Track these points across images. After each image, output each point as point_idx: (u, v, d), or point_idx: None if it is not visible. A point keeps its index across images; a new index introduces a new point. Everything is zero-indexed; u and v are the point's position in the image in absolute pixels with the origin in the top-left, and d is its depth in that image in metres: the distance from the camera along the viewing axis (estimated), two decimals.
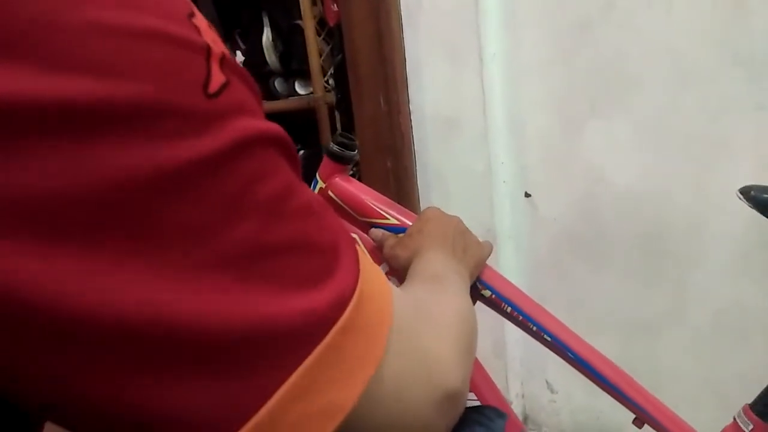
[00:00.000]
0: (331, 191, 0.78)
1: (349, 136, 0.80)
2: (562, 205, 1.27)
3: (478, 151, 1.32)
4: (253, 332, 0.24)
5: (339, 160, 0.78)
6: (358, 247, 0.32)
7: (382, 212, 0.76)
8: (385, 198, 0.79)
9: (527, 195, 1.31)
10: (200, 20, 0.25)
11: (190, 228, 0.23)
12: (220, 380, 0.23)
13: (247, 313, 0.24)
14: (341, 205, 0.78)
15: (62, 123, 0.20)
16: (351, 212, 0.78)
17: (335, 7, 1.42)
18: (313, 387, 0.25)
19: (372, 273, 0.31)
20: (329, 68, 1.49)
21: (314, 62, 1.48)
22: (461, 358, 0.37)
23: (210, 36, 0.25)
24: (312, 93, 1.55)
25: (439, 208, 0.73)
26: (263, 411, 0.24)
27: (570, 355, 0.70)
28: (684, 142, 1.10)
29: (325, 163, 0.78)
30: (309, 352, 0.25)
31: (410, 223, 0.75)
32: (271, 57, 1.64)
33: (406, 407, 0.31)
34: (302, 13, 1.47)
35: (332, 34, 1.48)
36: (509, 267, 1.37)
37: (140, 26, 0.22)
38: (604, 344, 1.27)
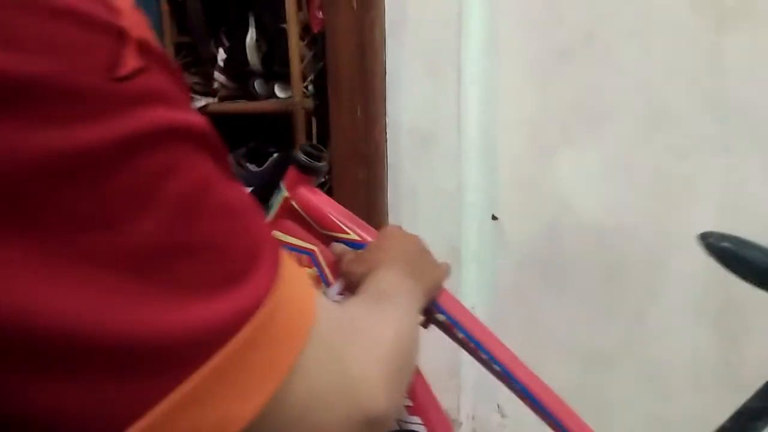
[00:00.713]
0: (295, 201, 0.77)
1: (319, 146, 0.79)
2: (527, 231, 1.28)
3: (450, 169, 1.32)
4: (139, 338, 0.22)
5: (306, 170, 0.77)
6: (283, 254, 0.30)
7: (343, 227, 0.75)
8: (348, 212, 0.78)
9: (494, 218, 1.31)
10: (123, 1, 0.24)
11: (79, 219, 0.21)
12: (96, 384, 0.22)
13: (136, 317, 0.22)
14: (303, 217, 0.77)
15: None
16: (313, 224, 0.77)
17: (320, 15, 1.41)
18: (207, 398, 0.24)
19: (294, 282, 0.29)
20: (310, 74, 1.48)
21: (295, 67, 1.47)
22: (391, 380, 0.35)
23: (132, 19, 0.24)
24: (291, 97, 1.53)
25: (399, 227, 0.72)
26: (147, 418, 0.22)
27: (517, 386, 0.69)
28: (651, 178, 1.12)
29: (291, 172, 0.77)
30: (203, 362, 0.24)
31: (371, 240, 0.74)
32: (253, 57, 1.62)
33: (318, 428, 0.29)
34: (287, 17, 1.46)
35: (316, 40, 1.47)
36: (471, 288, 1.37)
37: (47, 1, 0.21)
38: (559, 371, 1.29)
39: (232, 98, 1.72)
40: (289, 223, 0.78)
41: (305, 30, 1.49)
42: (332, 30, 1.36)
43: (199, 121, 0.26)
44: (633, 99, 1.10)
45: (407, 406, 0.74)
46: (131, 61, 0.23)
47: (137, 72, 0.23)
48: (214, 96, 1.78)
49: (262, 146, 1.70)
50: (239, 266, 0.26)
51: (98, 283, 0.21)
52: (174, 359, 0.23)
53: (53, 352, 0.21)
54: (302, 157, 0.76)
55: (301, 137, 1.48)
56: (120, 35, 0.23)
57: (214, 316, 0.24)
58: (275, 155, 1.65)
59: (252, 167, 1.68)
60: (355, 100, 1.36)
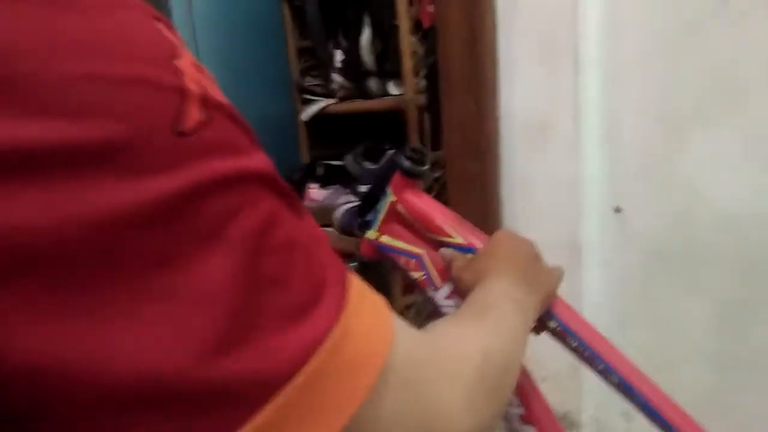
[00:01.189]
0: (401, 205, 0.78)
1: (421, 150, 0.79)
2: (655, 223, 1.19)
3: (568, 160, 1.26)
4: (218, 377, 0.24)
5: (410, 175, 0.77)
6: (353, 280, 0.31)
7: (449, 230, 0.75)
8: (455, 216, 0.77)
9: (617, 210, 1.24)
10: (185, 62, 0.26)
11: (154, 261, 0.23)
12: (185, 423, 0.23)
13: (212, 359, 0.23)
14: (410, 221, 0.78)
15: (23, 164, 0.21)
16: (420, 228, 0.77)
17: (431, 9, 1.40)
18: (278, 429, 0.25)
19: (365, 308, 0.30)
20: (422, 70, 1.48)
21: (407, 63, 1.47)
22: (477, 401, 0.35)
23: (193, 76, 0.26)
24: (403, 94, 1.55)
25: (511, 231, 0.70)
26: None
27: (636, 398, 0.65)
28: None
29: (396, 176, 0.78)
30: (273, 395, 0.25)
31: (479, 244, 0.73)
32: (367, 56, 1.65)
33: None
34: (398, 13, 1.46)
35: (427, 35, 1.46)
36: (593, 285, 1.30)
37: (116, 73, 0.23)
38: (691, 376, 1.19)
39: (350, 98, 1.77)
40: (397, 227, 0.79)
41: (417, 26, 1.49)
42: (442, 22, 1.35)
43: (263, 163, 0.28)
44: None
45: (520, 415, 0.73)
46: (194, 115, 0.25)
47: (200, 125, 0.25)
48: (333, 97, 1.84)
49: (377, 144, 1.73)
50: (303, 299, 0.27)
51: (174, 321, 0.23)
52: (245, 394, 0.24)
53: (138, 393, 0.23)
54: (405, 162, 0.77)
55: (413, 134, 1.49)
56: (183, 94, 0.25)
57: (284, 349, 0.25)
58: (390, 152, 1.67)
59: (368, 164, 1.72)
60: (466, 92, 1.34)
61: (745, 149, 1.05)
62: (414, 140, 1.47)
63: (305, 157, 1.96)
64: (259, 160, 0.28)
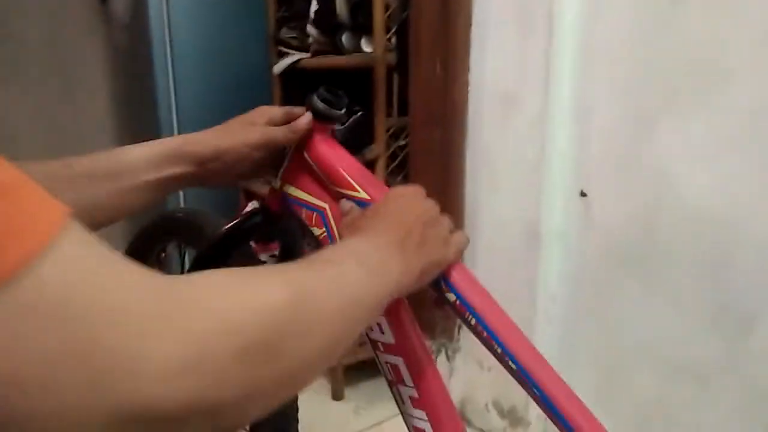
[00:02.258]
0: (306, 152, 0.68)
1: (338, 92, 0.70)
2: (620, 211, 1.09)
3: (535, 135, 1.16)
4: None
5: (321, 117, 0.68)
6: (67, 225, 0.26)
7: (353, 183, 0.65)
8: (362, 168, 0.68)
9: (583, 194, 1.14)
10: None
11: None
12: None
13: None
14: (315, 170, 0.68)
15: None
16: (324, 178, 0.68)
17: None
18: None
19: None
20: (393, 26, 1.38)
21: (378, 18, 1.37)
22: (213, 364, 0.27)
23: None
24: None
25: (409, 189, 0.61)
26: None
27: (536, 391, 0.56)
28: None
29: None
30: None
31: (378, 199, 0.64)
32: (341, 9, 1.54)
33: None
34: None
35: None
36: (550, 271, 1.22)
37: None
38: (641, 381, 1.10)
39: (323, 53, 1.67)
40: (302, 176, 0.70)
41: None
42: None
43: None
44: (759, 55, 0.87)
45: (412, 398, 0.64)
46: None
47: None
48: (307, 51, 1.74)
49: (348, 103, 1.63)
50: None
51: None
52: None
53: None
54: (317, 102, 0.67)
55: (379, 94, 1.39)
56: None
57: None
58: (358, 114, 1.57)
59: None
60: (435, 53, 1.24)
61: (717, 141, 0.95)
62: (379, 102, 1.37)
63: None
64: None
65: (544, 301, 1.26)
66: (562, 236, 1.20)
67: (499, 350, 0.58)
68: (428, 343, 1.35)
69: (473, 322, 0.59)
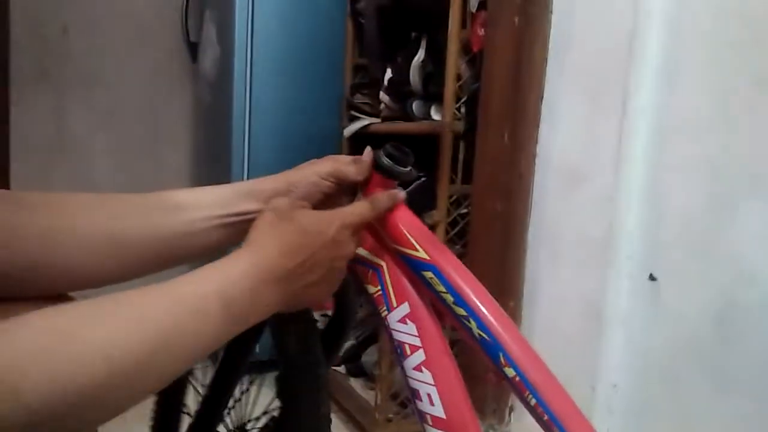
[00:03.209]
0: None
1: (405, 149, 0.70)
2: (692, 299, 1.03)
3: (602, 213, 1.12)
4: None
5: (384, 172, 0.68)
6: None
7: (413, 242, 0.64)
8: (424, 229, 0.67)
9: (652, 278, 1.08)
10: None
11: None
12: None
13: None
14: (374, 225, 0.68)
15: None
16: (384, 236, 0.67)
17: (482, 32, 1.32)
18: None
19: None
20: (464, 95, 1.40)
21: (449, 87, 1.39)
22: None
23: None
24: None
25: (345, 222, 0.58)
26: None
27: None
28: None
29: (372, 174, 0.69)
30: None
31: (443, 262, 0.63)
32: (414, 78, 1.58)
33: None
34: (449, 35, 1.39)
35: (475, 60, 1.38)
36: (613, 360, 1.14)
37: None
38: None
39: (393, 119, 1.70)
40: (362, 232, 0.69)
41: (467, 49, 1.41)
42: (491, 47, 1.27)
43: None
44: None
45: (436, 418, 0.59)
46: None
47: None
48: (377, 116, 1.79)
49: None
50: None
51: None
52: None
53: None
54: (383, 159, 0.67)
55: (445, 161, 1.39)
56: None
57: None
58: (422, 180, 1.58)
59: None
60: (503, 124, 1.24)
61: None
62: (444, 168, 1.38)
63: None
64: None
65: (604, 389, 1.18)
66: (626, 321, 1.14)
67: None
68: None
69: (533, 402, 0.56)
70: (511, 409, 1.37)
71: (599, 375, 1.18)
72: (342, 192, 0.69)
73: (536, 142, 1.21)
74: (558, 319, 1.23)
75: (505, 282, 1.28)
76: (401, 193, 0.66)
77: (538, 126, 1.21)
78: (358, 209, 0.61)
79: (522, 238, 1.25)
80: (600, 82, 1.12)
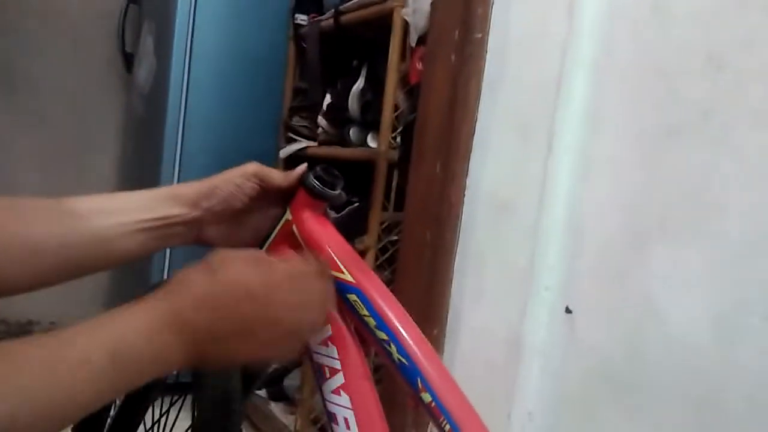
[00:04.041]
0: (296, 226, 0.68)
1: (335, 172, 0.71)
2: (604, 333, 1.08)
3: (525, 246, 1.16)
4: None
5: (313, 194, 0.68)
6: None
7: (339, 265, 0.65)
8: (351, 252, 0.68)
9: (568, 310, 1.13)
10: None
11: None
12: None
13: None
14: (301, 246, 0.68)
15: None
16: (309, 255, 0.67)
17: (420, 66, 1.36)
18: None
19: None
20: (399, 126, 1.43)
21: (387, 116, 1.42)
22: None
23: None
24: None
25: (300, 269, 0.55)
26: None
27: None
28: (765, 293, 0.89)
29: (300, 195, 0.69)
30: None
31: (368, 286, 0.63)
32: (353, 105, 1.61)
33: None
34: (389, 66, 1.43)
35: (413, 92, 1.42)
36: (531, 388, 1.17)
37: None
38: None
39: (330, 144, 1.72)
40: (288, 252, 0.69)
41: (405, 81, 1.45)
42: (427, 81, 1.31)
43: None
44: (751, 194, 0.90)
45: None
46: None
47: None
48: (315, 140, 1.79)
49: (346, 194, 1.66)
50: None
51: None
52: None
53: None
54: (311, 180, 0.68)
55: (378, 188, 1.41)
56: None
57: None
58: (355, 205, 1.59)
59: (332, 213, 1.64)
60: (437, 155, 1.27)
61: (708, 271, 0.95)
62: (377, 195, 1.39)
63: None
64: None
65: (519, 417, 1.21)
66: (544, 351, 1.17)
67: None
68: None
69: (447, 428, 0.56)
70: None
71: (515, 403, 1.21)
72: (267, 200, 0.69)
73: (467, 174, 1.25)
74: (479, 348, 1.25)
75: (430, 310, 1.30)
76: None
77: (469, 158, 1.25)
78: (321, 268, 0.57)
79: (449, 267, 1.28)
80: (529, 120, 1.17)
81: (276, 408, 1.71)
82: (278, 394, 1.76)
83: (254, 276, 0.50)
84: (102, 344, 0.41)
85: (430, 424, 1.40)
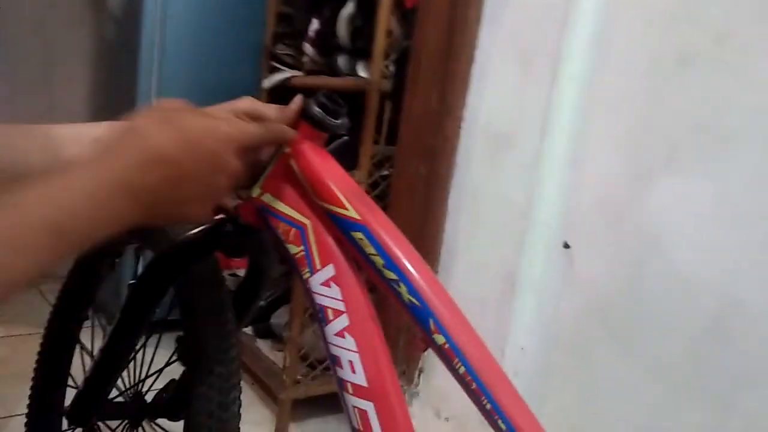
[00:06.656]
0: (294, 160, 0.63)
1: (338, 99, 0.65)
2: (604, 268, 1.06)
3: (525, 179, 1.13)
4: None
5: (314, 123, 0.62)
6: None
7: (341, 200, 0.60)
8: (354, 185, 0.63)
9: (566, 246, 1.10)
10: None
11: None
12: None
13: None
14: (301, 180, 0.62)
15: None
16: (310, 191, 0.62)
17: None
18: None
19: None
20: (393, 54, 1.35)
21: (379, 43, 1.33)
22: None
23: None
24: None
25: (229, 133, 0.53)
26: None
27: None
28: None
29: (300, 125, 0.63)
30: None
31: (372, 221, 0.59)
32: (342, 31, 1.51)
33: None
34: None
35: (407, 17, 1.33)
36: (525, 324, 1.17)
37: None
38: None
39: (317, 73, 1.63)
40: (285, 186, 0.64)
41: (400, 5, 1.36)
42: (425, 4, 1.22)
43: None
44: (762, 119, 0.86)
45: (357, 386, 0.56)
46: None
47: None
48: (300, 69, 1.70)
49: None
50: None
51: None
52: None
53: None
54: (313, 108, 0.62)
55: (369, 121, 1.34)
56: None
57: None
58: (343, 138, 1.53)
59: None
60: (432, 85, 1.21)
61: (715, 203, 0.92)
62: (369, 128, 1.33)
63: None
64: None
65: (512, 352, 1.21)
66: (539, 287, 1.16)
67: (488, 406, 0.53)
68: None
69: (461, 370, 0.54)
70: (421, 371, 1.38)
71: (508, 335, 1.20)
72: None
73: (464, 106, 1.19)
74: (474, 283, 1.24)
75: (424, 245, 1.27)
76: (291, 132, 0.60)
77: (467, 89, 1.19)
78: (250, 128, 0.56)
79: (443, 202, 1.24)
80: (532, 47, 1.11)
81: (263, 345, 1.70)
82: (265, 331, 1.74)
83: (208, 137, 0.51)
84: (39, 218, 0.41)
85: (422, 358, 1.40)
